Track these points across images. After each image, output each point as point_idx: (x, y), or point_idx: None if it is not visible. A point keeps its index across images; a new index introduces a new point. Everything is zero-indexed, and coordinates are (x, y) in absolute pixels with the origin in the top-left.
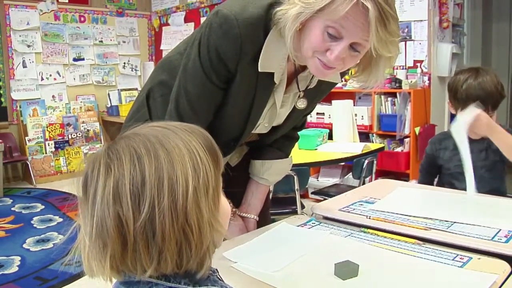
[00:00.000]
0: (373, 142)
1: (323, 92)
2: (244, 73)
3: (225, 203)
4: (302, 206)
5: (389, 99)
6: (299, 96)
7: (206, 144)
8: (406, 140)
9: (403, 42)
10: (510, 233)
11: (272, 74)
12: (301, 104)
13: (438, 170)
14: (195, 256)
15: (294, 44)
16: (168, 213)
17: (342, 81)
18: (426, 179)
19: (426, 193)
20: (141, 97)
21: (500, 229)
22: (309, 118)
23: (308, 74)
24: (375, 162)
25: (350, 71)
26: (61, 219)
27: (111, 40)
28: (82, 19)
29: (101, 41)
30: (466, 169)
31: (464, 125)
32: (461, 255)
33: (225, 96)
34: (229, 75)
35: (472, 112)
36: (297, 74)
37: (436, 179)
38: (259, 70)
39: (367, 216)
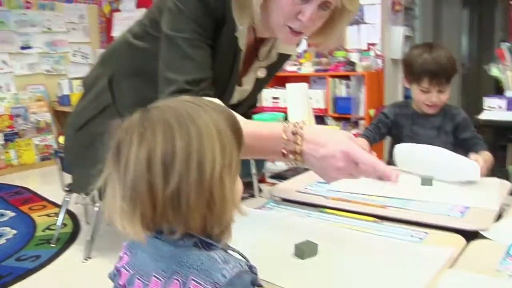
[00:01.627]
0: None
1: (280, 63)
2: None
3: (239, 181)
4: (260, 191)
5: (344, 82)
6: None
7: (231, 124)
8: (361, 122)
9: (356, 25)
10: (465, 208)
11: (235, 43)
12: (261, 73)
13: (387, 133)
14: (218, 226)
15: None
16: (194, 188)
17: (297, 52)
18: (373, 133)
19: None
20: (100, 83)
21: (455, 205)
22: (264, 102)
23: (268, 49)
24: None
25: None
26: (13, 214)
27: (60, 27)
28: (28, 5)
29: (50, 29)
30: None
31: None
32: (418, 231)
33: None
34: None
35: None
36: (256, 49)
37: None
38: (239, 25)
39: (324, 196)
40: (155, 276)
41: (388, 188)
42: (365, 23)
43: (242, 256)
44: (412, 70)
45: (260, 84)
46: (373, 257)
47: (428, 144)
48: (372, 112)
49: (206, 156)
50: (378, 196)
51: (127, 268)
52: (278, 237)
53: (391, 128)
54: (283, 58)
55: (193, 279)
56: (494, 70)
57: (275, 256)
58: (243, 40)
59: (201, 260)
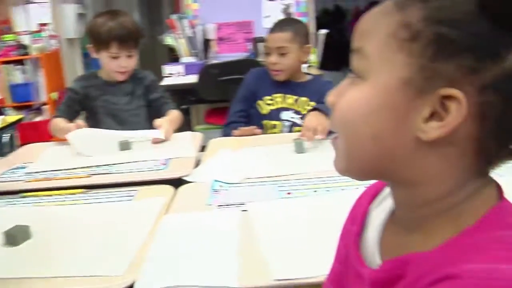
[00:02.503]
0: (8, 116)
1: None
2: None
3: None
4: None
5: (18, 67)
6: None
7: None
8: (45, 107)
9: (24, 5)
10: (166, 160)
11: None
12: None
13: (81, 109)
14: None
15: None
16: None
17: None
18: (67, 112)
19: (95, 134)
20: None
21: (158, 159)
22: None
23: None
24: (15, 135)
25: None
26: None
27: None
28: None
29: None
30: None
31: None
32: (127, 190)
33: None
34: None
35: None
36: None
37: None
38: None
39: (23, 180)
40: None
41: (92, 158)
42: (34, 2)
43: None
44: (100, 38)
45: None
46: (89, 225)
47: (123, 110)
48: (54, 95)
49: None
50: (82, 167)
51: None
52: None
53: (83, 103)
54: None
55: None
56: (168, 39)
57: None
58: None
59: None
